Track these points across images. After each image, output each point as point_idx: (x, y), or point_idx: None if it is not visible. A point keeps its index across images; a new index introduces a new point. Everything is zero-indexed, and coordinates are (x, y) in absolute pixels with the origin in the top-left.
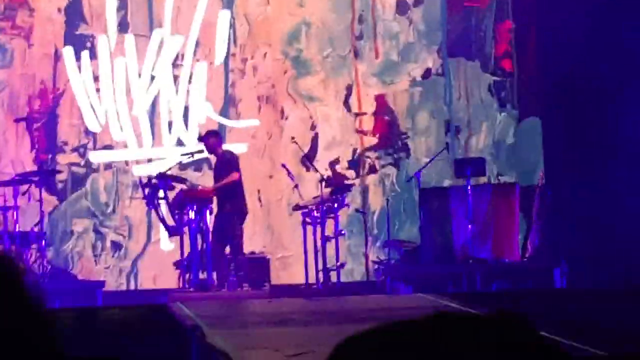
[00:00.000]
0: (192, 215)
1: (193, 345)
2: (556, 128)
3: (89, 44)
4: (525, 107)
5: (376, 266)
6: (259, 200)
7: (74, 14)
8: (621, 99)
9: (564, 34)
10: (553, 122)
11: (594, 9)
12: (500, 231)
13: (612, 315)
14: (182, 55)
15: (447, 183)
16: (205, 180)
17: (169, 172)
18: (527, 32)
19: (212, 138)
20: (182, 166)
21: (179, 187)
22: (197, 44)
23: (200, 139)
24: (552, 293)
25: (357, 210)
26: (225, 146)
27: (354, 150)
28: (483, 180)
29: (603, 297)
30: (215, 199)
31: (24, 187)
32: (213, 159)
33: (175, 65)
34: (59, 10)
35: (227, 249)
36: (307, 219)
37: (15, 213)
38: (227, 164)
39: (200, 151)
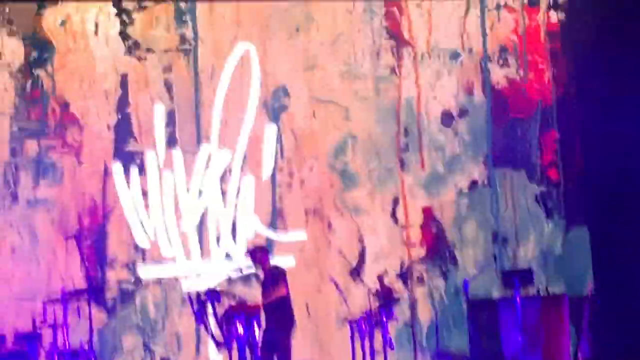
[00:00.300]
0: (240, 329)
1: None
2: (604, 237)
3: (138, 160)
4: (573, 216)
5: None
6: (308, 313)
7: (123, 131)
8: None
9: (609, 141)
10: (601, 230)
11: (638, 116)
12: (550, 342)
13: None
14: (230, 170)
15: (495, 294)
16: (253, 294)
17: (217, 287)
18: (572, 141)
19: (259, 253)
20: (230, 281)
21: (227, 301)
22: (245, 157)
23: (249, 254)
24: None
25: (406, 324)
26: (274, 259)
27: (402, 263)
28: (532, 291)
29: None
30: (263, 313)
31: (74, 304)
32: (261, 273)
33: (222, 179)
34: (108, 127)
35: None
36: (356, 332)
37: (65, 330)
38: (274, 278)
39: (249, 267)
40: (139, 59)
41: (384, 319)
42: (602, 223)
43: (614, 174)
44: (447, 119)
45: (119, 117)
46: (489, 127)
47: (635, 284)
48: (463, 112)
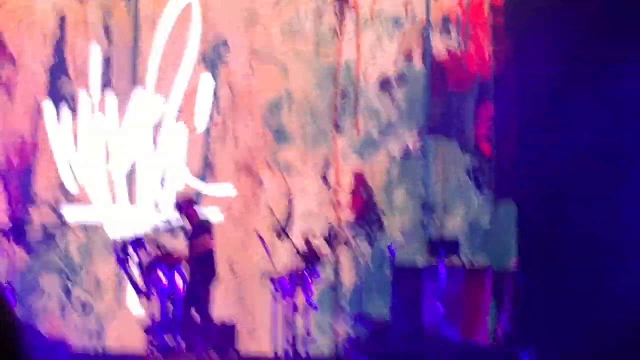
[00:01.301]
0: (163, 279)
1: None
2: (532, 214)
3: (70, 101)
4: (502, 191)
5: (344, 342)
6: (231, 268)
7: (57, 71)
8: (600, 189)
9: (544, 121)
10: (529, 207)
11: (574, 96)
12: (470, 313)
13: None
14: (163, 119)
15: (420, 262)
16: (178, 244)
17: (142, 235)
18: (507, 118)
19: (187, 205)
20: (156, 230)
21: (151, 251)
22: (179, 108)
23: (177, 205)
24: None
25: (329, 285)
26: (201, 211)
27: (329, 225)
28: (456, 261)
29: None
30: (186, 264)
31: None
32: (188, 225)
33: (155, 128)
34: (44, 67)
35: (196, 315)
36: (278, 289)
37: None
38: (202, 231)
39: (178, 219)
40: (80, 1)
41: (308, 279)
42: (530, 200)
43: (545, 153)
44: (385, 85)
45: (55, 58)
46: (426, 97)
47: (559, 261)
48: (402, 80)
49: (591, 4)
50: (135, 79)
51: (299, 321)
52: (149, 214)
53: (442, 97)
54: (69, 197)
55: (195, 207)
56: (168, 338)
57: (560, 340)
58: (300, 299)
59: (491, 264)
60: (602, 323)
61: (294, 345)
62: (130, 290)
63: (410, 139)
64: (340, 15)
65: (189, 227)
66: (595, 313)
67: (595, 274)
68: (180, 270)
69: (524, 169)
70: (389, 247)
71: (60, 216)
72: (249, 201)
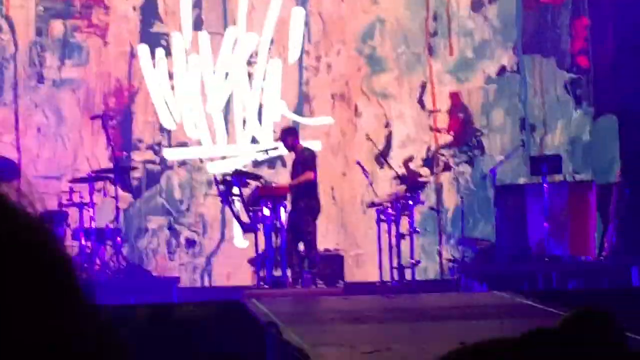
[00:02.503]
0: (266, 212)
1: (268, 342)
2: (633, 125)
3: (163, 42)
4: (602, 104)
5: (451, 264)
6: (333, 197)
7: (149, 12)
8: None
9: None
10: (630, 119)
11: None
12: (576, 229)
13: None
14: (256, 53)
15: (522, 181)
16: (279, 177)
17: (243, 169)
18: (603, 29)
19: (290, 135)
20: (256, 163)
21: (253, 184)
22: (272, 41)
23: (280, 136)
24: (629, 292)
25: (431, 209)
26: (302, 144)
27: (428, 148)
28: (559, 178)
29: None
30: (289, 197)
31: (100, 184)
32: (290, 156)
33: (249, 63)
34: (134, 8)
35: (301, 246)
36: (382, 217)
37: (91, 210)
38: (305, 161)
39: (276, 148)
40: None
41: (410, 203)
42: (631, 111)
43: None
44: (476, 4)
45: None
46: (518, 13)
47: None
48: None
49: None
50: (226, 17)
51: (404, 247)
52: (248, 149)
53: (535, 12)
54: (169, 138)
55: (297, 136)
56: (275, 271)
57: None
58: (403, 224)
59: (594, 177)
60: None
61: (400, 271)
62: (235, 226)
63: (505, 57)
64: None
65: (290, 157)
66: None
67: None
68: (284, 203)
69: (622, 81)
70: (490, 169)
71: (161, 157)
72: (347, 130)
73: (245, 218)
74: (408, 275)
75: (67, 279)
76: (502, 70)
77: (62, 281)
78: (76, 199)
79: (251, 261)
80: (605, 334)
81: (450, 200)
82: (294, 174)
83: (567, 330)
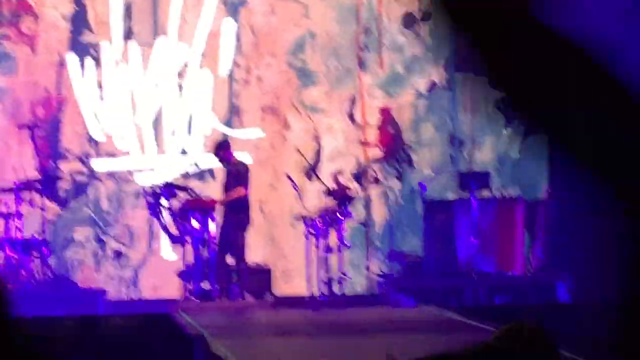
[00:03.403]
0: (195, 224)
1: (196, 355)
2: (562, 141)
3: (93, 52)
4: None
5: (378, 279)
6: (262, 210)
7: (79, 22)
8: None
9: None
10: (559, 135)
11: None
12: (504, 245)
13: (617, 328)
14: (187, 64)
15: (451, 196)
16: (209, 189)
17: (172, 182)
18: None
19: (223, 149)
20: (185, 176)
21: (182, 196)
22: (202, 53)
23: (213, 149)
24: (555, 307)
25: (360, 223)
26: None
27: (358, 162)
28: (487, 194)
29: (607, 311)
30: (219, 209)
31: (26, 194)
32: (221, 170)
33: (179, 74)
34: (64, 17)
35: (230, 259)
36: (311, 230)
37: (17, 220)
38: (237, 176)
39: (205, 162)
40: None
41: (339, 217)
42: (561, 129)
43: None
44: (408, 21)
45: (75, 7)
46: (452, 32)
47: (591, 187)
48: (426, 16)
49: None
50: (157, 27)
51: (333, 261)
52: (178, 161)
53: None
54: (97, 148)
55: (230, 149)
56: (203, 284)
57: (596, 267)
58: (332, 238)
59: (522, 194)
60: None
61: (328, 285)
62: (163, 238)
63: (435, 74)
64: None
65: (221, 170)
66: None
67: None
68: (213, 215)
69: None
70: (419, 183)
71: (89, 168)
72: (277, 143)
73: (174, 230)
74: (336, 289)
75: None
76: (433, 86)
77: None
78: (2, 208)
79: (179, 274)
80: (538, 348)
81: (379, 215)
82: (227, 187)
83: (501, 344)
